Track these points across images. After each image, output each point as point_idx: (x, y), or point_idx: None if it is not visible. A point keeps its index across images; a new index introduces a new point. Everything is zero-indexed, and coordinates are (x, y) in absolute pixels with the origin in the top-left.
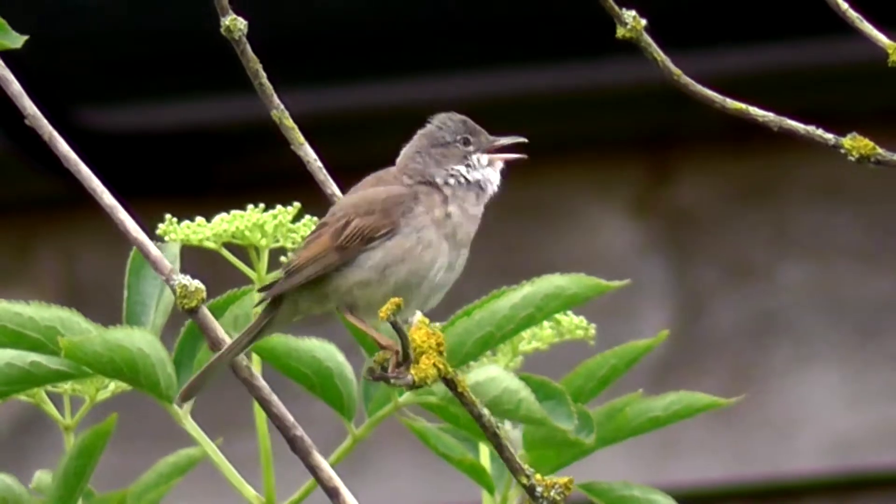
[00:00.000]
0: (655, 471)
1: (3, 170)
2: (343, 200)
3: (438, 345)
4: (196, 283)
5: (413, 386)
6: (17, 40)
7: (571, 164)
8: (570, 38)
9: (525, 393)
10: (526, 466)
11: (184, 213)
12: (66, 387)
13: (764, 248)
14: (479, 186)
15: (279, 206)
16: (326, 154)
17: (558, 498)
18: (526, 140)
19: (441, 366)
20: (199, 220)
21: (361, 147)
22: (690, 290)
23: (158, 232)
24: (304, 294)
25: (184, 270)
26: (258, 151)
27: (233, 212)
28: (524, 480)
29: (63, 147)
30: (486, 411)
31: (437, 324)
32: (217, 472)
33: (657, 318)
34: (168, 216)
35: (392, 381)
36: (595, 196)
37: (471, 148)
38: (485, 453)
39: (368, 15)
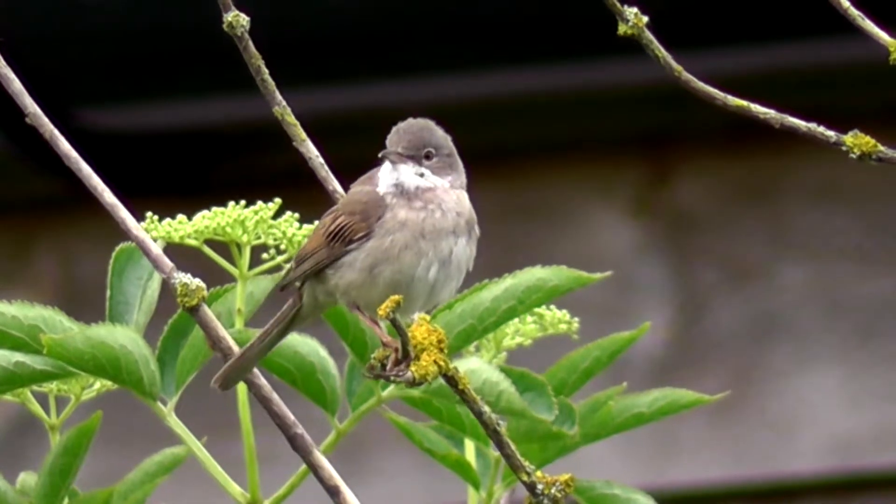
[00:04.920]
0: (654, 471)
1: (3, 170)
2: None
3: (439, 342)
4: (197, 282)
5: (414, 383)
6: None
7: (571, 164)
8: (570, 38)
9: (505, 385)
10: (527, 463)
11: (184, 214)
12: (51, 386)
13: (763, 248)
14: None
15: (259, 203)
16: (326, 154)
17: (559, 495)
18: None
19: (442, 363)
20: (181, 217)
21: (361, 147)
22: (690, 291)
23: None
24: (318, 287)
25: None
26: (258, 152)
27: (214, 208)
28: (525, 477)
29: (64, 145)
30: (486, 408)
31: None
32: (203, 471)
33: (657, 319)
34: (149, 214)
35: (392, 378)
36: (595, 196)
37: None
38: (470, 449)
39: (368, 15)
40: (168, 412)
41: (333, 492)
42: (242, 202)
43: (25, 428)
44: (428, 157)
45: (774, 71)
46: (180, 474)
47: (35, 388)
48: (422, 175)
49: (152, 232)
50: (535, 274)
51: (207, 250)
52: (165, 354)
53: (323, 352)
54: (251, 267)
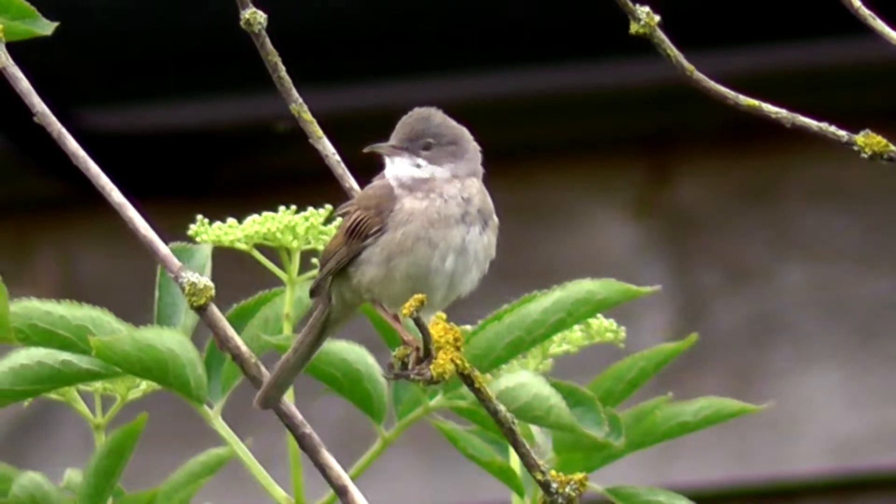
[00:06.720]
0: (656, 472)
1: (3, 170)
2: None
3: (456, 339)
4: (205, 281)
5: (431, 381)
6: (47, 27)
7: (571, 165)
8: (571, 39)
9: (555, 399)
10: (541, 462)
11: (187, 214)
12: (97, 385)
13: (764, 249)
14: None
15: (311, 209)
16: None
17: (573, 494)
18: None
19: (458, 361)
20: (231, 221)
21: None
22: (691, 292)
23: (190, 233)
24: (344, 285)
25: (215, 271)
26: (262, 152)
27: (264, 213)
28: (539, 476)
29: (72, 144)
30: (501, 407)
31: (467, 326)
32: (246, 472)
33: (657, 320)
34: (199, 217)
35: (412, 377)
36: (595, 197)
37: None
38: (514, 456)
39: (375, 15)
40: (214, 415)
41: (341, 491)
42: (293, 207)
43: (26, 428)
44: (427, 147)
45: (783, 71)
46: (217, 474)
47: (80, 386)
48: (418, 166)
49: (202, 235)
50: (584, 286)
51: (257, 254)
52: (212, 358)
53: (370, 359)
54: (300, 272)
